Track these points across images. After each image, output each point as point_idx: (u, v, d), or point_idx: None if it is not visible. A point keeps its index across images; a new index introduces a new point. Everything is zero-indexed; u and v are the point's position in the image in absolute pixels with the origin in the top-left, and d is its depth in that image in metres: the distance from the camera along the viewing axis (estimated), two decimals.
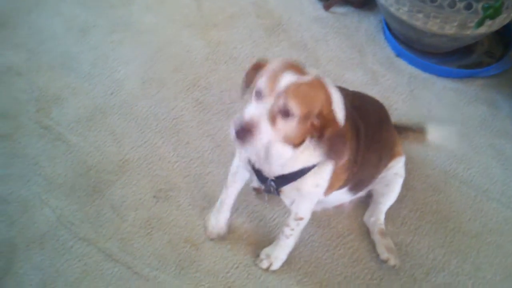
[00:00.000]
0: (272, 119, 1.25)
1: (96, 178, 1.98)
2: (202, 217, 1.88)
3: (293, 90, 1.24)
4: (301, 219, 1.66)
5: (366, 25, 2.75)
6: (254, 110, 1.26)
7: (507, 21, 2.33)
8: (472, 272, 1.84)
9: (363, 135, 1.54)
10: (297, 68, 1.29)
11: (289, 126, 1.27)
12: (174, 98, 2.29)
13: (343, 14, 2.81)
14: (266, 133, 1.25)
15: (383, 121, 1.76)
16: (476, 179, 2.10)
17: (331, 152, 1.32)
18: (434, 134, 1.94)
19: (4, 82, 2.29)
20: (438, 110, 2.35)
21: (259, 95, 1.27)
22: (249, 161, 1.53)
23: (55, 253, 1.76)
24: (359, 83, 2.41)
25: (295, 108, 1.24)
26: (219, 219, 1.83)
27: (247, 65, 2.21)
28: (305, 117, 1.27)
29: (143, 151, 2.09)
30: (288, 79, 1.25)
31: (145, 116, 2.21)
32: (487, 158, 2.17)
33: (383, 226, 1.86)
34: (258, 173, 1.53)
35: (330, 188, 1.56)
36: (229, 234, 1.86)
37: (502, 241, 1.93)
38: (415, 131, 1.95)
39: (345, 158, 1.36)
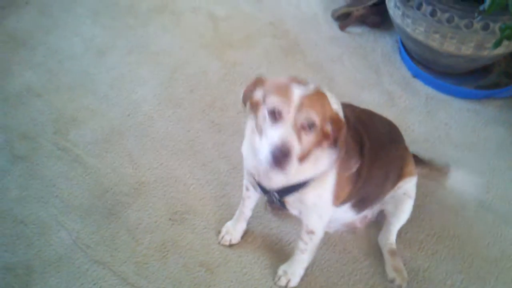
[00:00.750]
0: (298, 135, 1.26)
1: (113, 201, 2.00)
2: (217, 240, 1.88)
3: (308, 101, 1.26)
4: (312, 232, 1.64)
5: (382, 45, 2.75)
6: (282, 132, 1.25)
7: None
8: None
9: (367, 149, 1.53)
10: (297, 80, 1.31)
11: (311, 138, 1.29)
12: (190, 120, 2.30)
13: (359, 34, 2.82)
14: (296, 152, 1.25)
15: (393, 140, 1.76)
16: (495, 203, 2.07)
17: (348, 154, 1.35)
18: (457, 181, 1.94)
19: (24, 103, 2.33)
20: (455, 132, 2.32)
21: (275, 114, 1.27)
22: (251, 174, 1.54)
23: (71, 276, 1.76)
24: (375, 104, 2.40)
25: (316, 118, 1.26)
26: (236, 227, 1.88)
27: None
28: (322, 123, 1.29)
29: (159, 173, 2.10)
30: (298, 92, 1.27)
31: (162, 138, 2.23)
32: (506, 181, 2.14)
33: (393, 246, 1.85)
34: (260, 184, 1.54)
35: (336, 200, 1.54)
36: (243, 257, 1.85)
37: None
38: (437, 170, 1.95)
39: (358, 162, 1.38)
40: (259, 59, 2.62)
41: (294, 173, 1.36)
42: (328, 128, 1.32)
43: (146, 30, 2.77)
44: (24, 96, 2.36)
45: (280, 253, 1.87)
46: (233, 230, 1.88)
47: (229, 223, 1.90)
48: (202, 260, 1.83)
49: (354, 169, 1.37)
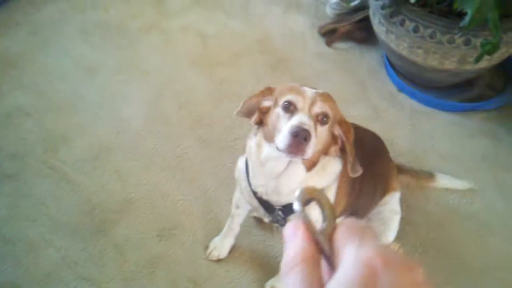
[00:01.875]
0: (314, 126, 1.26)
1: (101, 217, 2.01)
2: (205, 256, 1.89)
3: (320, 97, 1.29)
4: None
5: (368, 60, 2.79)
6: (301, 116, 1.25)
7: (506, 55, 2.35)
8: None
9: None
10: (306, 85, 1.35)
11: (323, 134, 1.30)
12: (178, 136, 2.33)
13: (345, 49, 2.86)
14: (313, 140, 1.23)
15: (378, 152, 1.79)
16: (480, 214, 2.09)
17: (356, 159, 1.35)
18: (443, 182, 1.98)
19: (13, 123, 2.35)
20: (440, 144, 2.36)
21: (290, 107, 1.28)
22: (255, 194, 1.53)
23: None
24: (361, 118, 2.42)
25: (329, 111, 1.28)
26: (223, 243, 1.89)
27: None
28: (333, 123, 1.31)
29: (147, 189, 2.12)
30: (310, 91, 1.31)
31: (150, 154, 2.25)
32: (490, 192, 2.17)
33: None
34: (265, 203, 1.52)
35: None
36: (231, 271, 1.86)
37: (507, 277, 1.90)
38: (423, 176, 1.98)
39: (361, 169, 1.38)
40: (247, 76, 2.65)
41: (302, 184, 1.37)
42: (336, 131, 1.34)
43: (135, 49, 2.80)
44: (14, 116, 2.39)
45: (267, 267, 1.88)
46: (221, 246, 1.89)
47: (217, 239, 1.92)
48: (189, 275, 1.85)
49: (361, 171, 1.38)
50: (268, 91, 1.40)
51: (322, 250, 0.46)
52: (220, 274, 1.86)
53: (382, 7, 2.41)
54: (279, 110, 1.31)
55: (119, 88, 2.56)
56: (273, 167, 1.38)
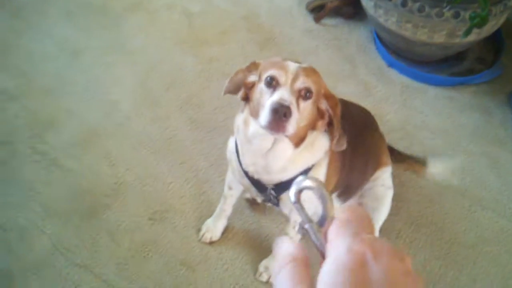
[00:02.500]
0: (296, 101, 1.26)
1: (92, 202, 1.99)
2: (197, 238, 1.89)
3: (303, 72, 1.28)
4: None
5: (357, 36, 2.76)
6: (282, 92, 1.24)
7: (495, 28, 2.33)
8: (469, 284, 1.83)
9: (349, 139, 1.55)
10: (291, 59, 1.34)
11: (307, 108, 1.29)
12: (167, 118, 2.30)
13: (334, 25, 2.83)
14: (295, 116, 1.23)
15: (368, 127, 1.78)
16: (471, 189, 2.10)
17: (342, 133, 1.35)
18: (435, 169, 1.98)
19: None
20: (431, 119, 2.35)
21: (272, 82, 1.27)
22: (246, 174, 1.52)
23: (52, 280, 1.76)
24: (351, 95, 2.39)
25: (312, 86, 1.27)
26: (216, 225, 1.89)
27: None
28: (317, 97, 1.30)
29: (137, 173, 2.10)
30: (294, 65, 1.30)
31: (139, 137, 2.22)
32: (481, 167, 2.17)
33: None
34: (257, 183, 1.52)
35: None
36: (224, 253, 1.86)
37: (498, 251, 1.92)
38: (415, 162, 1.98)
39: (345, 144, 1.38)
40: (235, 54, 2.62)
41: (290, 163, 1.40)
42: (323, 105, 1.33)
43: (120, 29, 2.75)
44: None
45: (260, 248, 1.89)
46: (214, 228, 1.89)
47: (209, 221, 1.91)
48: (182, 258, 1.84)
49: (345, 146, 1.37)
50: (254, 66, 1.38)
51: (315, 244, 0.47)
52: (213, 256, 1.86)
53: None
54: (262, 85, 1.30)
55: (105, 70, 2.52)
56: (260, 144, 1.38)
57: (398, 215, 1.99)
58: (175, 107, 2.35)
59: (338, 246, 0.43)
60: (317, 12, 2.85)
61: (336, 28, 2.81)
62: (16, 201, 1.98)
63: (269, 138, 1.35)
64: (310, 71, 1.30)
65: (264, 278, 1.78)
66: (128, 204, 1.99)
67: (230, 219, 1.91)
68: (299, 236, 1.66)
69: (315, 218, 0.49)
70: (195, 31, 2.76)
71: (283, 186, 1.48)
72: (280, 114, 1.20)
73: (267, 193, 1.53)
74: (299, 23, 2.84)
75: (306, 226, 0.48)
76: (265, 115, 1.23)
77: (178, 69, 2.53)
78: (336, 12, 2.85)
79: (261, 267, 1.80)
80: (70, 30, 2.73)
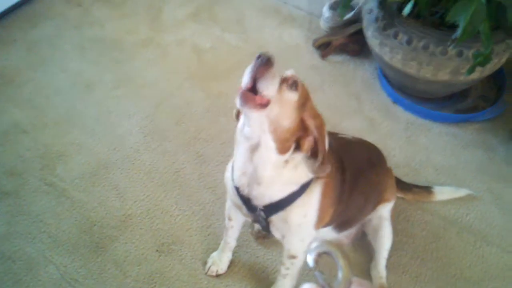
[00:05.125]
0: (280, 82, 1.23)
1: (100, 234, 2.02)
2: (204, 271, 1.91)
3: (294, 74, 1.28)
4: (294, 257, 1.64)
5: (362, 73, 2.82)
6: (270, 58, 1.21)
7: (497, 66, 2.37)
8: None
9: (349, 175, 1.56)
10: None
11: (289, 102, 1.24)
12: (176, 152, 2.34)
13: (340, 62, 2.88)
14: (274, 86, 1.20)
15: (373, 164, 1.79)
16: (476, 225, 2.11)
17: (326, 158, 1.33)
18: (442, 196, 2.07)
19: (11, 140, 2.36)
20: (435, 156, 2.38)
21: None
22: (237, 190, 1.51)
23: None
24: (356, 131, 2.44)
25: (299, 83, 1.26)
26: (221, 258, 1.90)
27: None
28: (301, 103, 1.27)
29: (145, 205, 2.13)
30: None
31: (148, 170, 2.26)
32: (486, 203, 2.19)
33: (383, 280, 1.87)
34: (247, 202, 1.50)
35: (319, 222, 1.54)
36: (231, 287, 1.87)
37: (504, 287, 1.93)
38: (422, 191, 2.02)
39: (329, 169, 1.35)
40: None
41: (274, 181, 1.38)
42: (308, 122, 1.30)
43: (132, 64, 2.82)
44: (11, 133, 2.40)
45: (266, 281, 1.90)
46: (219, 261, 1.91)
47: (214, 254, 1.93)
48: None
49: (327, 171, 1.35)
50: None
51: None
52: None
53: (376, 20, 2.44)
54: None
55: (116, 103, 2.58)
56: (244, 141, 1.35)
57: (404, 250, 2.00)
58: (183, 141, 2.40)
59: None
60: (324, 49, 2.91)
61: (342, 65, 2.87)
62: (25, 231, 2.02)
63: (253, 132, 1.30)
64: (299, 78, 1.29)
65: None
66: (135, 236, 2.02)
67: (236, 252, 1.93)
68: (295, 267, 1.67)
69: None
70: (204, 66, 2.83)
71: (272, 208, 1.47)
72: (262, 60, 1.18)
73: (257, 214, 1.51)
74: (305, 59, 2.90)
75: None
76: (243, 81, 1.21)
77: (187, 104, 2.59)
78: (342, 49, 2.91)
79: None
80: (83, 64, 2.80)
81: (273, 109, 1.21)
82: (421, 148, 2.42)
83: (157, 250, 1.98)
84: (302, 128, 1.32)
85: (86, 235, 2.02)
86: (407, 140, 2.45)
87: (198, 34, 3.06)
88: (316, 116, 1.33)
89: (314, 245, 0.51)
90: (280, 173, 1.38)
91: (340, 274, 0.49)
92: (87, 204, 2.12)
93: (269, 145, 1.31)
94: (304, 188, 1.44)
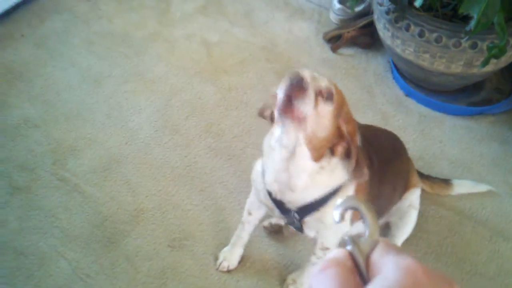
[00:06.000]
0: (315, 96, 1.20)
1: (111, 229, 2.01)
2: (216, 266, 1.89)
3: (328, 79, 1.26)
4: (327, 248, 1.64)
5: (374, 66, 2.79)
6: (306, 73, 1.20)
7: None
8: None
9: (376, 166, 1.55)
10: None
11: (325, 114, 1.23)
12: (187, 145, 2.33)
13: (351, 55, 2.86)
14: (310, 104, 1.18)
15: (397, 152, 1.78)
16: (491, 219, 2.08)
17: (358, 165, 1.32)
18: (461, 189, 2.04)
19: (22, 135, 2.35)
20: (449, 149, 2.35)
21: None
22: (270, 194, 1.51)
23: None
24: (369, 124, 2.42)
25: (334, 91, 1.24)
26: (233, 253, 1.89)
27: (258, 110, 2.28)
28: (338, 111, 1.27)
29: (157, 200, 2.12)
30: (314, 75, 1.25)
31: (159, 165, 2.25)
32: (502, 197, 2.16)
33: None
34: (280, 205, 1.51)
35: (354, 217, 1.53)
36: (241, 282, 1.86)
37: None
38: (440, 182, 2.00)
39: (367, 175, 1.34)
40: (253, 83, 2.65)
41: (312, 182, 1.38)
42: (343, 127, 1.30)
43: (141, 58, 2.81)
44: (22, 127, 2.39)
45: (279, 277, 1.88)
46: (230, 256, 1.89)
47: (226, 249, 1.92)
48: (201, 286, 1.84)
49: (366, 176, 1.34)
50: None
51: (357, 265, 0.46)
52: (231, 284, 1.86)
53: (387, 12, 2.41)
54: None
55: (126, 98, 2.56)
56: (280, 152, 1.35)
57: (418, 245, 1.98)
58: (194, 135, 2.38)
59: (387, 264, 0.42)
60: (334, 42, 2.89)
61: (353, 58, 2.84)
62: (37, 226, 2.01)
63: (289, 142, 1.31)
64: (334, 84, 1.27)
65: None
66: (147, 231, 2.01)
67: (248, 247, 1.91)
68: (326, 255, 1.66)
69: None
70: (214, 60, 2.81)
71: (306, 209, 1.47)
72: (295, 85, 1.16)
73: (291, 215, 1.52)
74: (316, 53, 2.87)
75: (348, 247, 0.47)
76: (279, 98, 1.19)
77: (198, 98, 2.57)
78: (353, 42, 2.88)
79: (289, 279, 1.82)
80: (92, 59, 2.79)
81: (310, 124, 1.22)
82: (435, 141, 2.39)
83: (168, 245, 1.97)
84: (337, 135, 1.31)
85: (98, 230, 2.01)
86: (421, 133, 2.42)
87: (206, 28, 3.03)
88: (350, 120, 1.33)
89: (341, 200, 0.49)
90: (315, 179, 1.38)
91: (367, 232, 0.47)
92: (99, 199, 2.10)
93: (304, 154, 1.32)
94: (338, 188, 1.44)
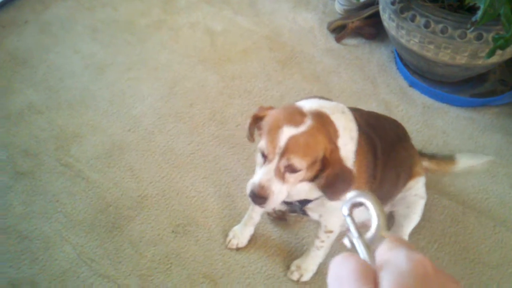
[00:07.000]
0: (281, 176, 1.31)
1: (116, 214, 2.01)
2: (220, 251, 1.90)
3: (293, 146, 1.28)
4: (331, 231, 1.68)
5: (378, 56, 2.78)
6: (262, 175, 1.32)
7: None
8: None
9: (380, 152, 1.56)
10: (294, 117, 1.32)
11: (298, 176, 1.33)
12: (190, 133, 2.33)
13: (355, 45, 2.85)
14: (278, 192, 1.32)
15: (401, 139, 1.78)
16: (494, 209, 2.09)
17: (327, 189, 1.37)
18: (465, 164, 2.00)
19: (25, 121, 2.35)
20: (453, 140, 2.35)
21: (263, 155, 1.34)
22: None
23: None
24: None
25: (299, 164, 1.29)
26: (243, 232, 1.91)
27: (261, 99, 2.28)
28: (311, 165, 1.32)
29: (161, 186, 2.12)
30: (286, 135, 1.28)
31: (163, 152, 2.25)
32: (504, 187, 2.16)
33: None
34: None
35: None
36: (247, 267, 1.87)
37: None
38: (444, 159, 1.98)
39: (341, 198, 1.40)
40: (257, 72, 2.65)
41: (310, 194, 1.49)
42: (317, 167, 1.34)
43: (145, 46, 2.80)
44: (26, 113, 2.39)
45: (283, 263, 1.89)
46: (241, 235, 1.91)
47: (236, 227, 1.94)
48: (205, 271, 1.85)
49: (341, 198, 1.40)
50: (257, 117, 1.43)
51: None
52: (236, 269, 1.86)
53: (392, 3, 2.40)
54: (258, 151, 1.37)
55: (129, 85, 2.56)
56: None
57: (421, 234, 1.98)
58: (198, 123, 2.38)
59: (396, 257, 0.43)
60: (338, 32, 2.88)
61: (357, 48, 2.83)
62: (42, 211, 2.01)
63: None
64: (303, 141, 1.29)
65: (295, 276, 1.82)
66: (151, 217, 2.01)
67: (258, 228, 1.93)
68: (330, 240, 1.69)
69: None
70: (217, 49, 2.81)
71: (307, 201, 1.53)
72: (257, 197, 1.32)
73: (293, 204, 1.58)
74: (320, 43, 2.87)
75: (355, 240, 0.48)
76: (247, 192, 1.36)
77: (201, 86, 2.57)
78: (357, 32, 2.88)
79: (293, 266, 1.84)
80: (96, 46, 2.78)
81: (288, 186, 1.35)
82: (438, 131, 2.39)
83: (173, 231, 1.97)
84: (320, 167, 1.35)
85: (102, 215, 2.01)
86: (424, 123, 2.42)
87: (210, 17, 3.03)
88: (329, 162, 1.34)
89: (349, 195, 0.49)
90: (313, 190, 1.45)
91: (373, 226, 0.47)
92: (102, 185, 2.11)
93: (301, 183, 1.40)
94: None
